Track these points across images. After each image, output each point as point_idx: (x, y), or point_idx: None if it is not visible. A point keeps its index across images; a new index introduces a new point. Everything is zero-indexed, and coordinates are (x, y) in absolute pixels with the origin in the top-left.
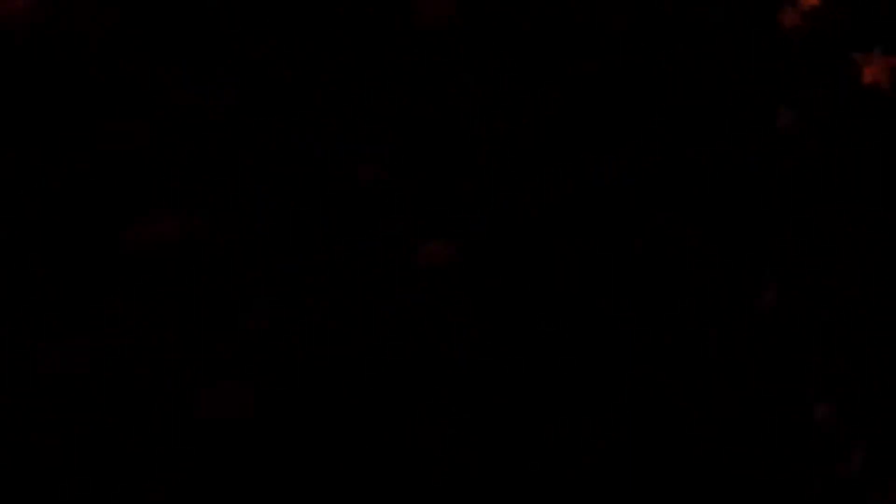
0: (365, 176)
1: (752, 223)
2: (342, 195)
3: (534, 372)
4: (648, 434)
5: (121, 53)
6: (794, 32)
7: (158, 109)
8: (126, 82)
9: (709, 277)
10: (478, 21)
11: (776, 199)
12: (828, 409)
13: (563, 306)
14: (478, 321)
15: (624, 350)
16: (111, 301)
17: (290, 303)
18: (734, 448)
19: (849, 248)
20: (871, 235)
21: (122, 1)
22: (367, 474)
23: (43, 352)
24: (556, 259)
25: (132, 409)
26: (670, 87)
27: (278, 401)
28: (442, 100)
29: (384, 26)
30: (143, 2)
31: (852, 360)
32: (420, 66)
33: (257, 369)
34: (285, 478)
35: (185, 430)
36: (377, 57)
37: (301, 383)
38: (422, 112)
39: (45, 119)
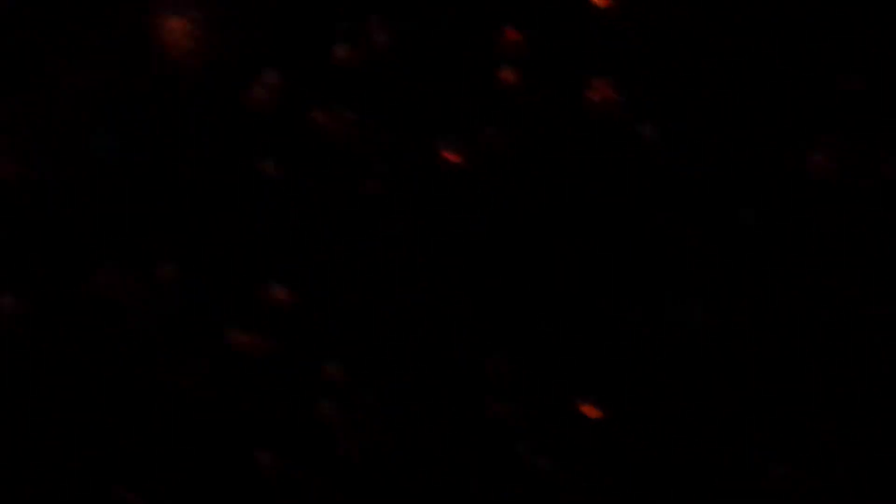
0: (367, 188)
1: (752, 224)
2: (345, 203)
3: (533, 371)
4: (649, 433)
5: None
6: None
7: None
8: None
9: (709, 277)
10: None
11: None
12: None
13: (563, 306)
14: (478, 318)
15: (623, 349)
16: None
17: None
18: (733, 445)
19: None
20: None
21: None
22: (367, 475)
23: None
24: (557, 259)
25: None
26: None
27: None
28: (441, 100)
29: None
30: None
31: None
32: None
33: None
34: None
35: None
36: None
37: (297, 387)
38: (420, 115)
39: None
